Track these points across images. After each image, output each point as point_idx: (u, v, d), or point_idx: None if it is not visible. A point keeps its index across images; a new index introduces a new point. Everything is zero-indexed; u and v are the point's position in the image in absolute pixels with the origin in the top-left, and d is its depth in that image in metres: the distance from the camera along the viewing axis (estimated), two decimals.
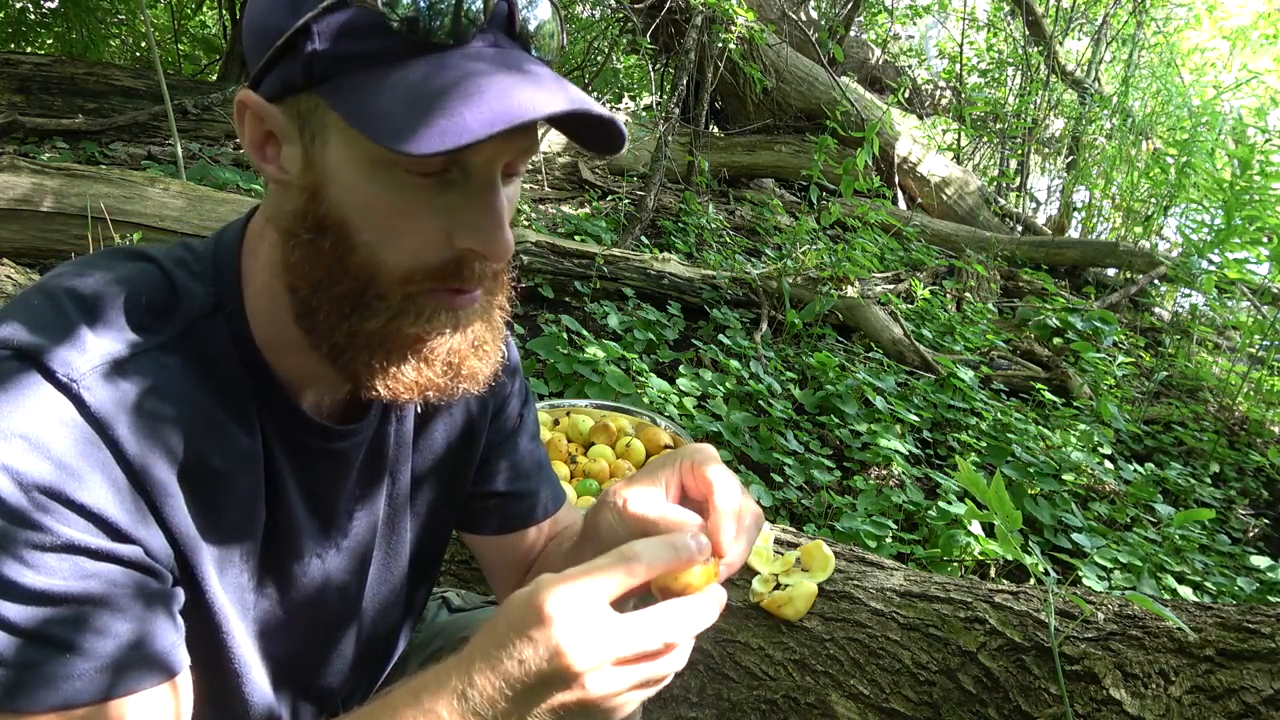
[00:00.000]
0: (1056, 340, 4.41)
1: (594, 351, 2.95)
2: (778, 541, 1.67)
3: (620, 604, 0.62)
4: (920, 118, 9.23)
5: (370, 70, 0.63)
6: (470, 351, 0.73)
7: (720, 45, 5.18)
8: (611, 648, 0.59)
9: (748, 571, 1.54)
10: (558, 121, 0.68)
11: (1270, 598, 2.45)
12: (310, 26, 0.63)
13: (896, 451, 2.83)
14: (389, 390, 0.71)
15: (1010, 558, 1.67)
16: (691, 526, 0.74)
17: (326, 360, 0.73)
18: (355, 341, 0.70)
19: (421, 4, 0.62)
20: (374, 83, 0.63)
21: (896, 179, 6.31)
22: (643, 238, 4.65)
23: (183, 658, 0.68)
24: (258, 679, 0.80)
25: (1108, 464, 3.21)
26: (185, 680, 0.69)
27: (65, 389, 0.62)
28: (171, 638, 0.67)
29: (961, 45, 8.44)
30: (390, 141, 0.59)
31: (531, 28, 0.69)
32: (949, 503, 2.54)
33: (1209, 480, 3.40)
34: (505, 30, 0.67)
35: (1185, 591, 2.41)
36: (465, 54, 0.64)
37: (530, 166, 5.80)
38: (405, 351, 0.70)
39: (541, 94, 0.62)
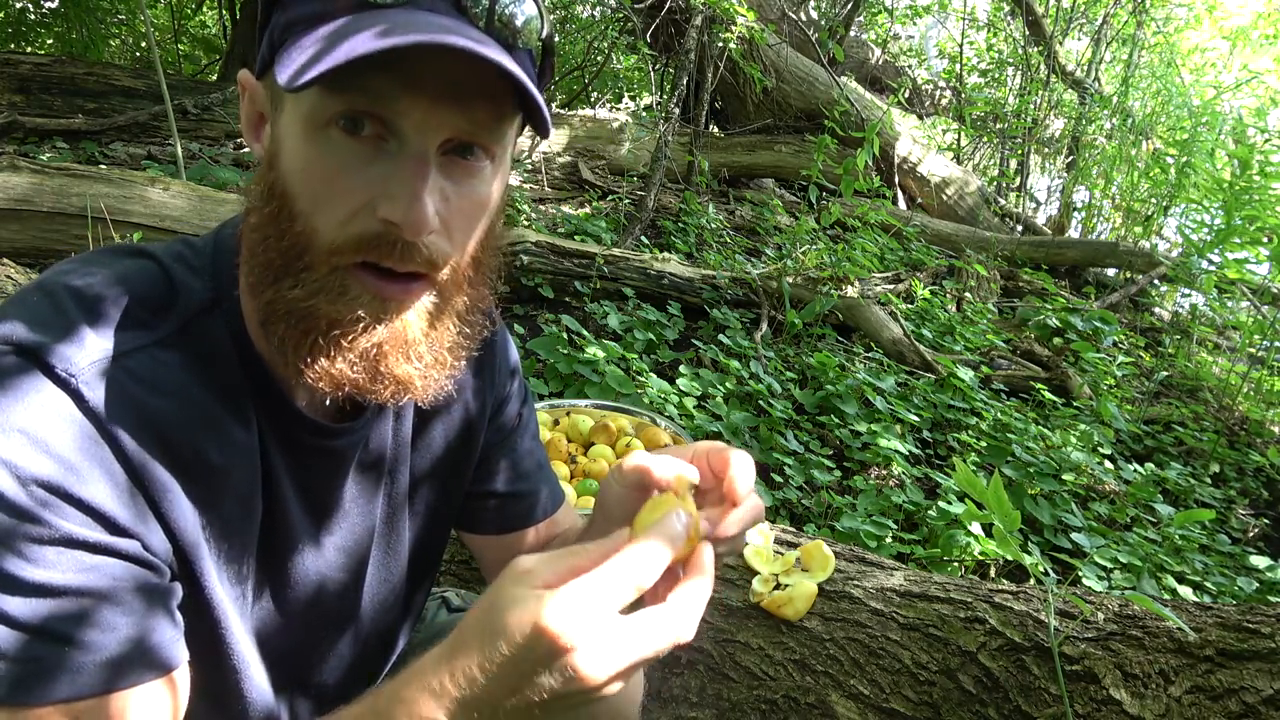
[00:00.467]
0: (1056, 340, 4.41)
1: (594, 351, 2.95)
2: (778, 541, 1.67)
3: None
4: (920, 118, 9.23)
5: (308, 31, 0.64)
6: (396, 350, 0.69)
7: (720, 45, 5.18)
8: (631, 659, 0.56)
9: (748, 571, 1.54)
10: (490, 95, 0.66)
11: (1270, 598, 2.45)
12: None
13: (896, 451, 2.83)
14: (301, 374, 0.69)
15: (1010, 558, 1.67)
16: (685, 474, 0.71)
17: (260, 331, 0.72)
18: (276, 310, 0.68)
19: None
20: (306, 41, 0.63)
21: (896, 179, 6.31)
22: (643, 238, 4.65)
23: (182, 653, 0.68)
24: (256, 677, 0.80)
25: (1108, 464, 3.21)
26: (184, 675, 0.69)
27: (64, 385, 0.62)
28: (171, 632, 0.67)
29: (961, 45, 8.45)
30: (282, 79, 0.60)
31: (477, 1, 0.67)
32: (949, 503, 2.54)
33: (1209, 480, 3.40)
34: (454, 3, 0.66)
35: (1185, 591, 2.41)
36: (394, 13, 0.64)
37: (530, 166, 5.80)
38: (319, 334, 0.68)
39: (446, 34, 0.60)
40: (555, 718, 0.58)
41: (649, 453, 0.76)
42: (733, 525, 0.72)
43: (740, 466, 0.73)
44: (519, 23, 0.68)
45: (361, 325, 0.68)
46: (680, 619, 0.59)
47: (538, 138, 5.65)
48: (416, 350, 0.71)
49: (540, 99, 0.66)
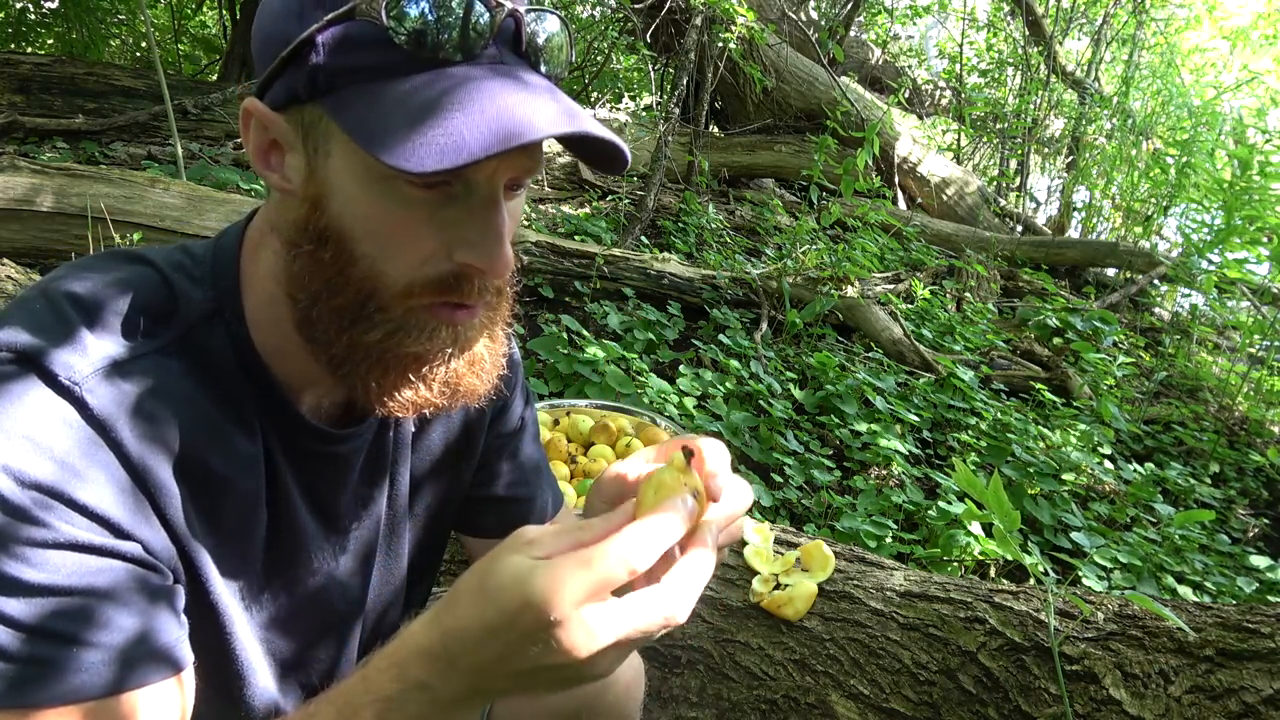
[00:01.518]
0: (1056, 340, 4.41)
1: (594, 351, 2.95)
2: (778, 541, 1.67)
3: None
4: (920, 118, 9.24)
5: (373, 83, 0.63)
6: (468, 370, 0.73)
7: (720, 45, 5.18)
8: (619, 633, 0.56)
9: (748, 571, 1.54)
10: (562, 139, 0.68)
11: (1270, 598, 2.45)
12: (315, 38, 0.63)
13: (896, 451, 2.83)
14: (384, 407, 0.71)
15: (1010, 558, 1.67)
16: (685, 445, 0.69)
17: (326, 370, 0.73)
18: (354, 354, 0.70)
19: (429, 17, 0.62)
20: (376, 96, 0.63)
21: (896, 179, 6.31)
22: (643, 238, 4.65)
23: (186, 654, 0.68)
24: (262, 680, 0.81)
25: (1107, 464, 3.21)
26: (189, 677, 0.69)
27: (66, 392, 0.62)
28: (175, 633, 0.67)
29: (961, 45, 8.45)
30: (388, 157, 0.59)
31: (540, 42, 0.68)
32: (949, 503, 2.54)
33: (1209, 480, 3.40)
34: (511, 46, 0.67)
35: (1185, 591, 2.41)
36: (469, 70, 0.64)
37: None
38: (404, 370, 0.70)
39: (542, 114, 0.62)
40: (548, 692, 0.59)
41: (621, 460, 0.76)
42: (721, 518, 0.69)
43: (714, 456, 0.68)
44: (563, 57, 0.71)
45: (445, 356, 0.71)
46: (673, 599, 0.58)
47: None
48: (484, 366, 0.75)
49: (628, 152, 0.69)
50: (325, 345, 0.71)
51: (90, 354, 0.64)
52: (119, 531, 0.63)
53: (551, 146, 6.01)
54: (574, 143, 0.69)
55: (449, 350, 0.71)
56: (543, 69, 0.69)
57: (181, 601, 0.70)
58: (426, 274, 0.67)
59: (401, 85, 0.63)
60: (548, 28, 0.69)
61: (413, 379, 0.70)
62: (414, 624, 0.61)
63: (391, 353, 0.69)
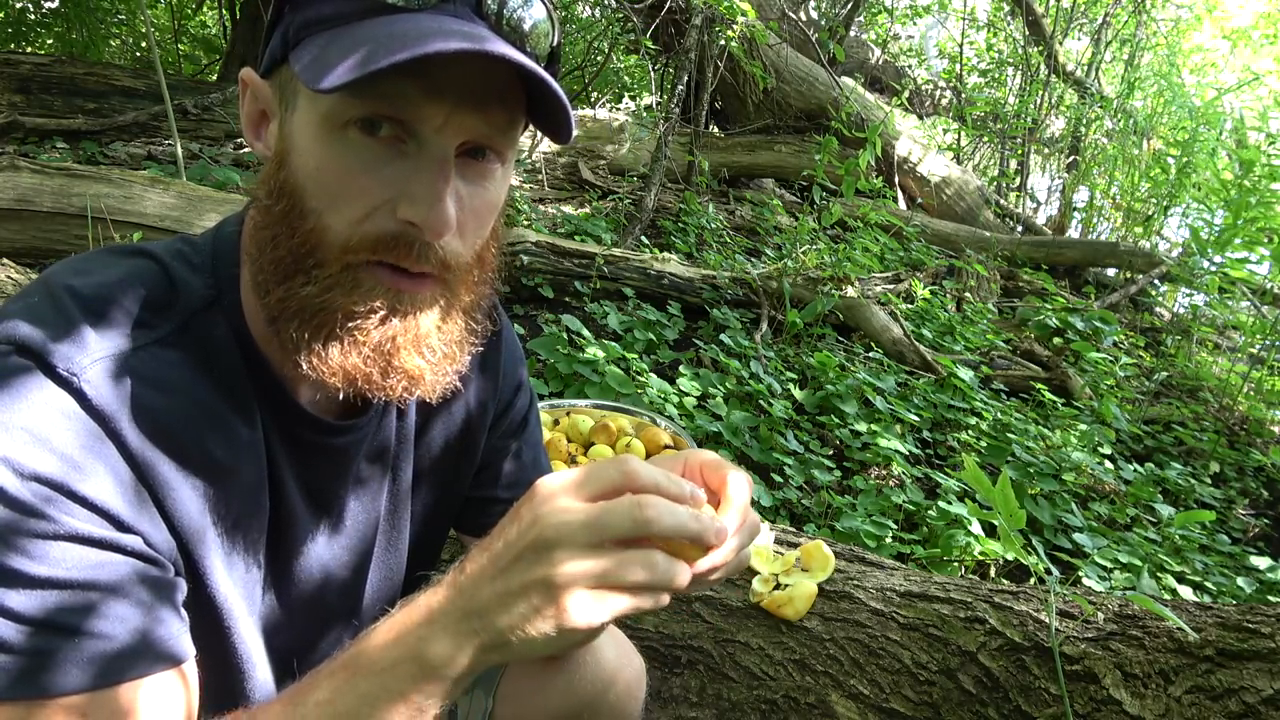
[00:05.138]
0: (1056, 340, 4.41)
1: (594, 351, 2.94)
2: (778, 541, 1.67)
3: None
4: (920, 118, 9.23)
5: (331, 30, 0.65)
6: (408, 344, 0.70)
7: (721, 44, 5.18)
8: (586, 527, 0.59)
9: (748, 571, 1.54)
10: (506, 98, 0.68)
11: (1270, 598, 2.45)
12: None
13: (896, 451, 2.83)
14: (314, 369, 0.69)
15: (1011, 557, 1.67)
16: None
17: (268, 329, 0.72)
18: (288, 306, 0.69)
19: None
20: (328, 40, 0.64)
21: (896, 179, 6.31)
22: (643, 238, 4.65)
23: (188, 646, 0.68)
24: (262, 674, 0.81)
25: (1108, 464, 3.21)
26: (192, 669, 0.69)
27: (66, 384, 0.63)
28: (176, 625, 0.67)
29: (961, 45, 8.45)
30: (310, 80, 0.61)
31: (508, 12, 0.68)
32: (949, 503, 2.54)
33: (1209, 480, 3.40)
34: (474, 8, 0.68)
35: (1185, 591, 2.41)
36: (419, 16, 0.65)
37: (530, 167, 5.80)
38: (334, 327, 0.68)
39: (458, 39, 0.62)
40: (527, 628, 0.59)
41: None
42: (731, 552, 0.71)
43: (737, 488, 0.71)
44: (532, 28, 0.70)
45: (377, 317, 0.69)
46: (651, 508, 0.60)
47: (539, 137, 5.65)
48: (428, 344, 0.72)
49: (567, 104, 0.67)
50: (265, 298, 0.70)
51: (89, 346, 0.65)
52: (120, 524, 0.63)
53: (550, 146, 6.02)
54: (523, 100, 0.69)
55: (382, 311, 0.69)
56: (500, 30, 0.68)
57: (182, 594, 0.70)
58: (365, 229, 0.67)
59: (354, 29, 0.64)
60: (534, 14, 0.70)
61: (341, 337, 0.68)
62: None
63: (325, 309, 0.68)
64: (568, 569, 0.58)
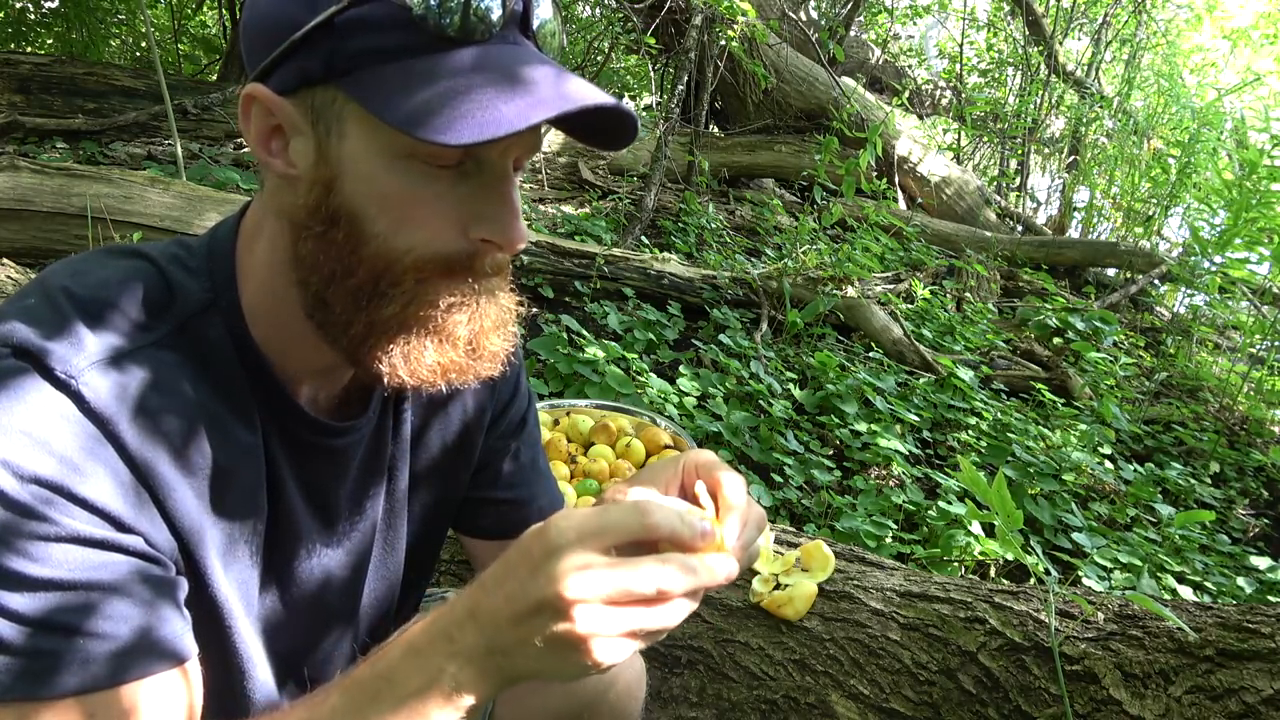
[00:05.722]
0: (1056, 340, 4.41)
1: (594, 351, 2.94)
2: (778, 541, 1.67)
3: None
4: (920, 118, 9.23)
5: (393, 63, 0.65)
6: (491, 330, 0.74)
7: (721, 44, 5.17)
8: (605, 585, 0.58)
9: (748, 571, 1.54)
10: (573, 118, 0.69)
11: (1270, 598, 2.45)
12: (333, 20, 0.64)
13: (896, 451, 2.83)
14: (412, 375, 0.72)
15: (1011, 557, 1.67)
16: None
17: (344, 353, 0.73)
18: (374, 329, 0.71)
19: (449, 1, 0.64)
20: (398, 75, 0.64)
21: (896, 179, 6.31)
22: (643, 238, 4.65)
23: (191, 645, 0.68)
24: (262, 674, 0.81)
25: (1108, 464, 3.21)
26: (195, 668, 0.69)
27: (64, 386, 0.62)
28: (179, 624, 0.67)
29: (961, 45, 8.45)
30: (424, 133, 0.61)
31: (535, 26, 0.70)
32: (949, 503, 2.54)
33: (1209, 480, 3.40)
34: (521, 28, 0.69)
35: (1185, 591, 2.41)
36: (487, 49, 0.66)
37: (530, 166, 5.80)
38: (424, 333, 0.71)
39: (574, 89, 0.65)
40: (544, 665, 0.60)
41: (644, 491, 0.76)
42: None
43: (732, 489, 0.72)
44: (555, 44, 0.73)
45: (464, 315, 0.72)
46: (669, 572, 0.61)
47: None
48: (507, 329, 0.76)
49: (637, 122, 0.71)
50: (343, 327, 0.72)
51: (87, 347, 0.64)
52: (120, 525, 0.63)
53: (550, 146, 6.02)
54: (585, 120, 0.70)
55: (467, 309, 0.72)
56: (541, 45, 0.71)
57: (184, 594, 0.70)
58: (439, 250, 0.69)
59: (423, 64, 0.64)
60: (542, 14, 0.71)
61: (435, 339, 0.72)
62: (454, 596, 0.65)
63: (411, 320, 0.70)
64: (593, 624, 0.59)
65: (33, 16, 7.23)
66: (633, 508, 0.62)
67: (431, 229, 0.68)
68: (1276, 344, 4.51)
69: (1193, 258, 4.70)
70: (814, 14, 7.94)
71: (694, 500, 0.76)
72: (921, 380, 3.51)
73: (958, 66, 8.45)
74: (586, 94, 0.65)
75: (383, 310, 0.70)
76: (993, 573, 2.40)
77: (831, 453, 2.89)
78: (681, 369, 3.22)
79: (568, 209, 5.33)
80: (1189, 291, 5.57)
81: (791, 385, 3.27)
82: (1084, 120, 7.61)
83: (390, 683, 0.62)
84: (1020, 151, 7.54)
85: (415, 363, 0.71)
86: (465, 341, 0.72)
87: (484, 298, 0.73)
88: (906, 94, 6.43)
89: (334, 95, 0.66)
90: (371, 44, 0.65)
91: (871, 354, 3.72)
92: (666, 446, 2.05)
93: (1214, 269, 4.47)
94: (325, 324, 0.73)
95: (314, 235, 0.69)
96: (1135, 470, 3.25)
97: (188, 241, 0.78)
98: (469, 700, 0.61)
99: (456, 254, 0.69)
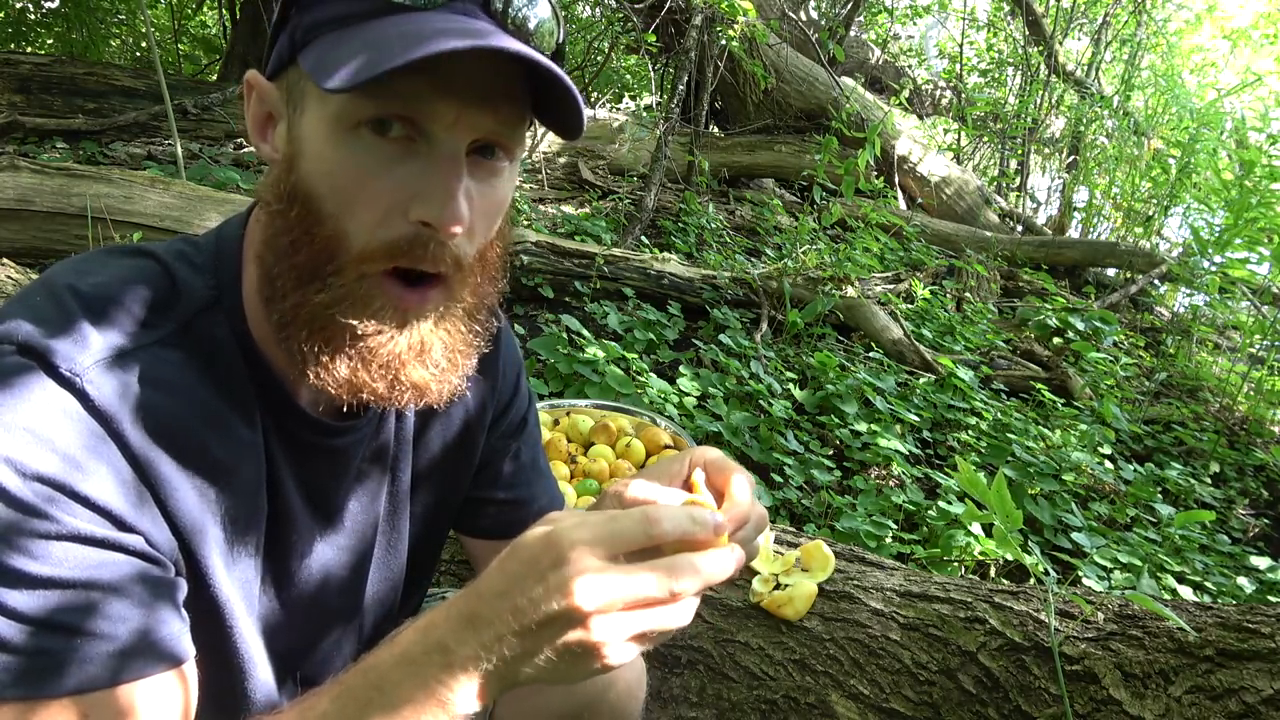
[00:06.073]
0: (1056, 340, 4.41)
1: (594, 351, 2.94)
2: (778, 541, 1.67)
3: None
4: (920, 118, 9.23)
5: (342, 29, 0.65)
6: (413, 359, 0.71)
7: (721, 44, 5.17)
8: (621, 593, 0.58)
9: (748, 571, 1.54)
10: (516, 98, 0.68)
11: (1270, 598, 2.45)
12: None
13: (896, 451, 2.83)
14: (321, 381, 0.70)
15: (1010, 557, 1.67)
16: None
17: (276, 335, 0.72)
18: (299, 315, 0.69)
19: None
20: (340, 40, 0.64)
21: (896, 179, 6.31)
22: (643, 238, 4.65)
23: (188, 647, 0.68)
24: (262, 674, 0.81)
25: (1108, 464, 3.21)
26: (192, 670, 0.69)
27: (68, 383, 0.63)
28: (177, 626, 0.67)
29: (961, 45, 8.45)
30: (320, 79, 0.61)
31: (514, 11, 0.69)
32: (949, 503, 2.54)
33: (1209, 480, 3.40)
34: (482, 6, 0.68)
35: (1185, 591, 2.41)
36: (429, 15, 0.65)
37: (530, 166, 5.79)
38: (342, 343, 0.69)
39: (469, 36, 0.62)
40: (552, 670, 0.59)
41: (646, 481, 0.76)
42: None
43: (739, 488, 0.73)
44: (538, 27, 0.70)
45: (385, 336, 0.69)
46: (680, 573, 0.60)
47: (539, 137, 5.65)
48: (432, 357, 0.72)
49: (579, 97, 0.68)
50: (277, 304, 0.70)
51: (91, 346, 0.65)
52: (121, 524, 0.63)
53: (550, 146, 6.02)
54: (530, 95, 0.69)
55: (390, 331, 0.69)
56: (509, 28, 0.69)
57: (183, 594, 0.70)
58: (381, 236, 0.67)
59: (365, 29, 0.64)
60: (540, 13, 0.70)
61: (351, 354, 0.69)
62: (445, 605, 0.63)
63: (334, 321, 0.68)
64: (608, 632, 0.58)
65: (33, 16, 7.23)
66: (641, 517, 0.61)
67: (376, 208, 0.66)
68: (1276, 344, 4.51)
69: (1193, 258, 4.70)
70: (814, 14, 7.94)
71: (690, 488, 0.76)
72: (921, 380, 3.51)
73: (958, 66, 8.45)
74: (496, 42, 0.62)
75: (315, 296, 0.68)
76: (993, 573, 2.40)
77: (831, 453, 2.89)
78: (681, 369, 3.22)
79: (568, 209, 5.33)
80: (1189, 291, 5.57)
81: (791, 385, 3.27)
82: (1084, 120, 7.61)
83: (382, 692, 0.61)
84: (1020, 151, 7.53)
85: (326, 369, 0.69)
86: (381, 364, 0.69)
87: (418, 318, 0.70)
88: (906, 93, 6.42)
89: (299, 72, 0.67)
90: (322, 15, 0.66)
91: (871, 354, 3.72)
92: (666, 446, 2.05)
93: (1214, 269, 4.47)
94: (268, 301, 0.71)
95: (274, 212, 0.70)
96: (1135, 470, 3.24)
97: (193, 240, 0.78)
98: (466, 710, 0.61)
99: (398, 240, 0.67)
